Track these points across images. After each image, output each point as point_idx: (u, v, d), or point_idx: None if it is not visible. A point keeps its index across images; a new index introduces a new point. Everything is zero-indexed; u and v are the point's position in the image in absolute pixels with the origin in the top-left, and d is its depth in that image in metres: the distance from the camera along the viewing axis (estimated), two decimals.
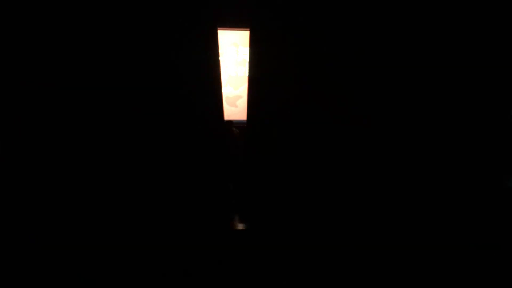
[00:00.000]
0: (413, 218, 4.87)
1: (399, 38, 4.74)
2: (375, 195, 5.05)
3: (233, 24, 7.43)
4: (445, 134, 4.90)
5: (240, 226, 5.26)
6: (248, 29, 7.26)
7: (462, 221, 4.68)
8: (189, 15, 4.69)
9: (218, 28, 7.14)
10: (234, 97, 7.84)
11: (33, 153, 4.61)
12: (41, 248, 4.25)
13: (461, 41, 4.68)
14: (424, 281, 4.05)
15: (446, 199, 4.85)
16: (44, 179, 4.65)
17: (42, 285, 3.88)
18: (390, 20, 4.71)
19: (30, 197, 4.57)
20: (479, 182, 4.83)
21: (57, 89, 4.58)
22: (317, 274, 4.23)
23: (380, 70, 4.86)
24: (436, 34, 4.72)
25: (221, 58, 7.62)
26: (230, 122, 6.47)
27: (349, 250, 4.53)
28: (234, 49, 7.66)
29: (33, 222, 4.49)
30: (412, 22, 4.69)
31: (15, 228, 4.38)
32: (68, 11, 4.40)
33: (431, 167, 4.93)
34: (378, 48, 4.80)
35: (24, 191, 4.56)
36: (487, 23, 4.60)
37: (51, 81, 4.54)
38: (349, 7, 4.70)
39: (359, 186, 5.11)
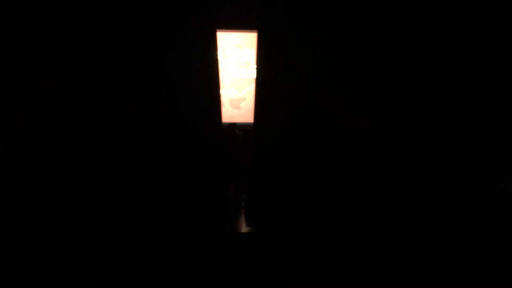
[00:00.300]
0: (417, 219, 4.85)
1: (404, 38, 4.74)
2: (382, 197, 5.03)
3: (238, 26, 7.44)
4: (445, 135, 4.87)
5: (244, 229, 5.27)
6: (252, 31, 7.42)
7: (462, 222, 4.64)
8: (188, 16, 4.72)
9: (222, 30, 7.26)
10: (238, 99, 7.85)
11: (33, 153, 4.64)
12: (41, 248, 4.27)
13: (461, 41, 4.67)
14: (424, 281, 4.01)
15: (446, 200, 4.82)
16: (44, 179, 4.68)
17: (42, 285, 3.90)
18: (395, 21, 4.71)
19: (30, 197, 4.60)
20: (478, 184, 4.78)
21: (56, 89, 4.62)
22: (319, 275, 4.23)
23: (386, 70, 4.86)
24: (439, 34, 4.71)
25: (224, 60, 7.66)
26: (233, 124, 6.47)
27: (352, 251, 4.53)
28: (237, 51, 7.67)
29: (33, 222, 4.51)
30: (417, 24, 4.68)
31: (15, 228, 4.40)
32: (69, 13, 4.44)
33: (432, 168, 4.91)
34: (383, 49, 4.80)
35: (24, 191, 4.59)
36: (487, 23, 4.57)
37: (51, 81, 4.58)
38: (354, 9, 4.71)
39: (364, 187, 5.09)
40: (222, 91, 7.77)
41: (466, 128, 4.81)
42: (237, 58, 7.74)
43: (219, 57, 7.53)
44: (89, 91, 4.70)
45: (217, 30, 5.98)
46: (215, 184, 5.41)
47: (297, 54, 4.93)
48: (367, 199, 5.06)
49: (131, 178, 4.95)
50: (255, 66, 7.58)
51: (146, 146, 4.95)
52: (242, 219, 5.65)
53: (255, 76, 7.52)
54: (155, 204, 5.05)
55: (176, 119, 5.00)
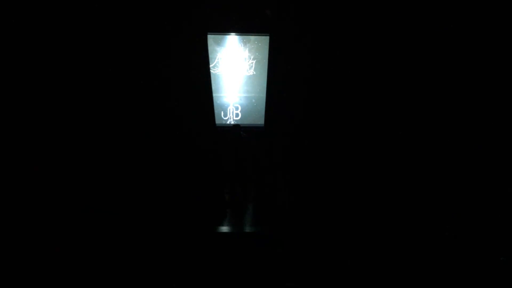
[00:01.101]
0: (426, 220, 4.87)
1: (409, 40, 4.78)
2: (389, 196, 5.06)
3: (246, 29, 7.48)
4: (451, 136, 4.90)
5: (248, 229, 5.30)
6: (261, 34, 7.46)
7: (463, 222, 4.66)
8: (181, 19, 4.73)
9: (214, 33, 7.29)
10: (243, 101, 7.89)
11: (29, 153, 4.62)
12: (40, 248, 4.29)
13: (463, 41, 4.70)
14: (424, 281, 4.06)
15: (448, 200, 4.84)
16: (38, 179, 4.65)
17: (42, 285, 3.94)
18: (404, 24, 4.74)
19: (30, 197, 4.59)
20: (480, 184, 4.79)
21: (52, 91, 4.60)
22: (321, 275, 4.27)
23: (397, 72, 4.89)
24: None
25: (230, 62, 7.69)
26: (237, 125, 6.51)
27: (356, 251, 4.58)
28: (243, 53, 7.70)
29: (33, 222, 4.50)
30: (428, 28, 4.71)
31: (15, 228, 4.39)
32: (59, 16, 4.43)
33: (436, 169, 4.94)
34: (389, 51, 4.83)
35: (24, 191, 4.58)
36: (487, 23, 4.60)
37: (48, 82, 4.55)
38: (365, 11, 4.75)
39: (373, 188, 5.12)
40: (227, 93, 7.83)
41: (471, 129, 4.84)
42: (242, 60, 7.76)
43: (224, 59, 7.66)
44: (84, 93, 4.69)
45: (209, 33, 6.09)
46: (211, 185, 5.46)
47: (307, 57, 4.98)
48: (375, 199, 5.09)
49: (127, 179, 4.96)
50: (259, 67, 7.68)
51: (141, 147, 4.96)
52: (247, 219, 5.70)
53: (260, 77, 7.68)
54: (152, 205, 5.07)
55: (171, 120, 5.02)
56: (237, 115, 7.91)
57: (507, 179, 4.57)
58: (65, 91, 4.67)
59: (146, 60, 4.79)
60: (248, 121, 7.74)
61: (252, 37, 7.58)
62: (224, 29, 7.45)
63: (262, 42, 7.55)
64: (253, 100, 7.84)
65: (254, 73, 7.75)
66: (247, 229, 5.32)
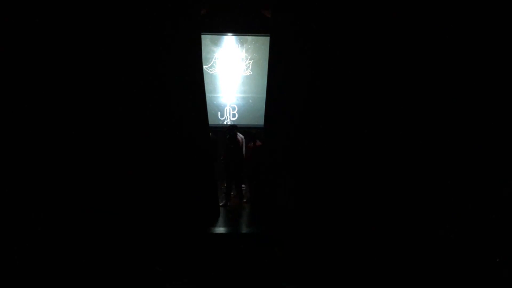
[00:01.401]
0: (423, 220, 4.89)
1: (408, 40, 4.80)
2: (387, 197, 5.07)
3: (246, 29, 7.48)
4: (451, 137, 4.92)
5: (245, 230, 5.30)
6: (261, 34, 7.48)
7: (463, 223, 4.69)
8: (175, 20, 4.72)
9: (208, 33, 7.30)
10: (240, 102, 7.90)
11: (32, 154, 4.58)
12: (39, 248, 4.25)
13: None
14: (424, 281, 4.08)
15: (449, 200, 4.86)
16: (39, 180, 4.61)
17: (42, 285, 3.90)
18: (399, 25, 4.76)
19: (30, 197, 4.55)
20: (481, 185, 4.81)
21: (45, 90, 4.56)
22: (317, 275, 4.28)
23: (391, 71, 4.90)
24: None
25: (227, 62, 7.70)
26: (234, 126, 6.51)
27: (354, 251, 4.59)
28: (241, 53, 7.70)
29: (33, 222, 4.46)
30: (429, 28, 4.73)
31: (15, 228, 4.35)
32: (51, 18, 4.40)
33: (435, 168, 4.96)
34: (387, 51, 4.85)
35: (24, 191, 4.54)
36: (488, 23, 4.63)
37: (42, 83, 4.52)
38: (360, 13, 4.77)
39: (373, 188, 5.13)
40: (224, 93, 7.83)
41: (473, 129, 4.87)
42: (240, 60, 7.77)
43: (221, 59, 7.66)
44: (78, 92, 4.65)
45: (210, 33, 6.05)
46: (208, 186, 5.46)
47: (307, 57, 4.99)
48: (374, 200, 5.10)
49: (121, 180, 4.93)
50: (256, 67, 7.69)
51: (135, 147, 4.93)
52: (245, 220, 5.70)
53: (257, 77, 7.70)
54: (149, 206, 5.05)
55: (166, 120, 5.00)
56: (234, 115, 7.91)
57: (506, 179, 4.60)
58: (59, 90, 4.63)
59: (140, 60, 4.77)
60: (245, 122, 7.74)
61: (249, 38, 7.60)
62: (223, 30, 7.47)
63: (259, 43, 7.57)
64: (250, 101, 7.85)
65: (251, 73, 7.77)
66: (245, 229, 5.31)
